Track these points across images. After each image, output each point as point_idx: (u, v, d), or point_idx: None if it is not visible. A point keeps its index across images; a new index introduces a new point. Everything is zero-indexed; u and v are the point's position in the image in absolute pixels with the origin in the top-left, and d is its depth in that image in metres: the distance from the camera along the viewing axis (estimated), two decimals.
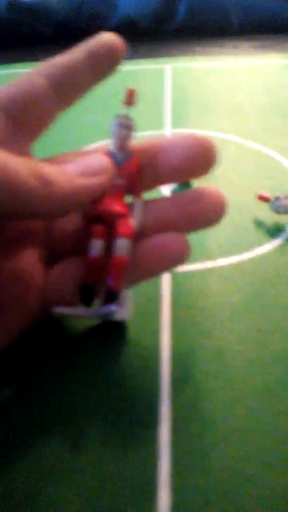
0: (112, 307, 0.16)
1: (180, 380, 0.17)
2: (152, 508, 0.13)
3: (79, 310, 0.17)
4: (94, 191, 0.15)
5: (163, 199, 0.18)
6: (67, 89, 0.17)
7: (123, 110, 0.17)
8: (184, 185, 0.28)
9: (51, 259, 0.18)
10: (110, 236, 0.16)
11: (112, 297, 0.16)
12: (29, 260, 0.17)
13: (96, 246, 0.16)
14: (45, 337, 0.19)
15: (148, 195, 0.18)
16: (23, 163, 0.13)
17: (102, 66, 0.17)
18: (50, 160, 0.17)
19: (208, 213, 0.17)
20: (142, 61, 0.57)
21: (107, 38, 0.17)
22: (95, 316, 0.19)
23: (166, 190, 0.29)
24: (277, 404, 0.16)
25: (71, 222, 0.18)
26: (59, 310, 0.17)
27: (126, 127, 0.16)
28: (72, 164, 0.15)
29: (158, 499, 0.13)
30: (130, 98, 0.17)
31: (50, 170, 0.14)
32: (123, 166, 0.17)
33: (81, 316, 0.18)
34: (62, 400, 0.16)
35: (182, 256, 0.16)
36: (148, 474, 0.14)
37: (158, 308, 0.20)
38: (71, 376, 0.17)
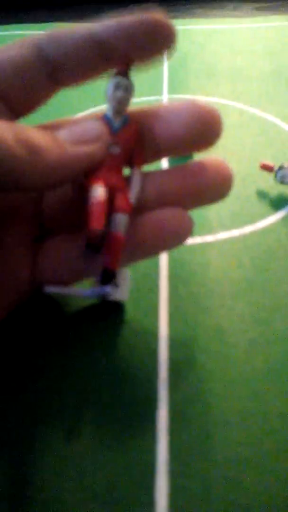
0: (107, 288, 0.15)
1: (179, 360, 0.16)
2: (150, 495, 0.13)
3: (72, 290, 0.16)
4: (87, 161, 0.14)
5: (165, 171, 0.16)
6: (63, 67, 0.14)
7: None
8: (185, 157, 0.26)
9: (42, 232, 0.16)
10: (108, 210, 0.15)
11: (107, 277, 0.15)
12: (17, 235, 0.16)
13: (98, 190, 0.14)
14: (42, 316, 0.18)
15: (147, 167, 0.16)
16: (8, 127, 0.12)
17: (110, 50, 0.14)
18: (40, 126, 0.15)
19: (213, 187, 0.15)
20: None
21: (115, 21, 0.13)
22: (89, 297, 0.18)
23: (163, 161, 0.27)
24: (280, 385, 0.15)
25: (62, 194, 0.16)
26: (51, 289, 0.16)
27: (124, 88, 0.14)
28: (64, 131, 0.14)
29: (156, 486, 0.13)
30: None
31: (39, 136, 0.12)
32: (119, 133, 0.15)
33: (75, 296, 0.17)
34: (57, 382, 0.16)
35: (184, 234, 0.15)
36: (146, 459, 0.13)
37: (156, 285, 0.19)
38: (67, 357, 0.16)
